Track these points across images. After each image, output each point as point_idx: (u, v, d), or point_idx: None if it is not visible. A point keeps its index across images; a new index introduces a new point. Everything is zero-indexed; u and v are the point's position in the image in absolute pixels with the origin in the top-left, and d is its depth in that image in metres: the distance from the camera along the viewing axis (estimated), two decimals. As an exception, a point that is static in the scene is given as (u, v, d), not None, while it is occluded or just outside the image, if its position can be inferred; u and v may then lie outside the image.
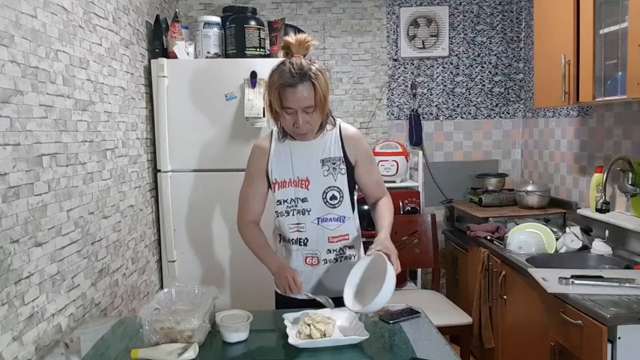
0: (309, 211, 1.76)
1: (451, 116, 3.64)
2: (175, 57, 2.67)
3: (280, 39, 2.78)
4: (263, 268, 2.76)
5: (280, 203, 1.79)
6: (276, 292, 1.89)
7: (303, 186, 1.76)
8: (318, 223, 1.77)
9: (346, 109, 3.59)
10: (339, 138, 1.79)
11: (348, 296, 1.56)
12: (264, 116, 2.65)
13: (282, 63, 1.66)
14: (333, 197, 1.77)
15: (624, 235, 2.35)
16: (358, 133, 1.84)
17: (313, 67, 1.63)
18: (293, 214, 1.78)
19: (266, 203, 1.87)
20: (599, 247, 2.34)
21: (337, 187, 1.77)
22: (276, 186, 1.78)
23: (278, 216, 1.81)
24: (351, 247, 1.83)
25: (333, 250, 1.80)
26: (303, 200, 1.76)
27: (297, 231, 1.78)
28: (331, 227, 1.78)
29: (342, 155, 1.78)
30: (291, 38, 1.69)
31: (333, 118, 1.81)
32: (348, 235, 1.81)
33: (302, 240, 1.79)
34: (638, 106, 2.36)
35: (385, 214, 1.80)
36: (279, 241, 1.87)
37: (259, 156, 1.81)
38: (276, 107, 1.66)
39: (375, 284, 1.48)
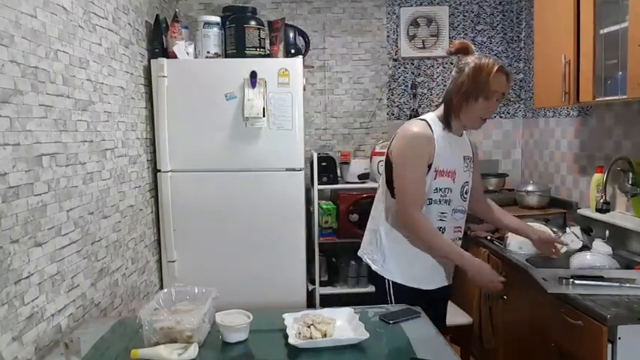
0: (451, 202, 1.87)
1: (451, 116, 3.64)
2: (175, 57, 2.67)
3: (280, 39, 2.78)
4: (262, 268, 2.78)
5: (437, 191, 1.84)
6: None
7: (452, 177, 1.86)
8: (452, 214, 1.89)
9: (346, 109, 3.59)
10: (468, 139, 1.99)
11: None
12: (264, 116, 2.65)
13: (473, 56, 1.82)
14: (467, 192, 1.94)
15: (624, 235, 2.34)
16: None
17: None
18: (441, 203, 1.86)
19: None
20: (600, 247, 2.34)
21: (469, 183, 1.95)
22: (437, 174, 1.83)
23: (430, 203, 1.85)
24: (460, 238, 1.96)
25: (453, 240, 1.91)
26: (450, 191, 1.87)
27: (441, 220, 1.87)
28: (458, 218, 1.92)
29: (472, 154, 1.98)
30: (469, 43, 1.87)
31: None
32: (462, 227, 1.97)
33: (442, 229, 1.87)
34: (639, 106, 2.36)
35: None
36: None
37: (428, 143, 1.81)
38: (490, 92, 1.78)
39: None
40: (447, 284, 1.98)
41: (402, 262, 1.88)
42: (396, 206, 1.83)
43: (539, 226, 2.26)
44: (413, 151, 1.81)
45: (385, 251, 1.90)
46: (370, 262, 1.95)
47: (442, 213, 1.86)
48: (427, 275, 1.91)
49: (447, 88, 1.87)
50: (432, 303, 1.86)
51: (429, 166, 1.81)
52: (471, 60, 1.80)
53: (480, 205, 2.13)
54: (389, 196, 1.88)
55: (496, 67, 1.78)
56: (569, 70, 2.30)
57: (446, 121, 1.85)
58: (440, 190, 1.84)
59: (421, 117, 1.91)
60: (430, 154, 1.80)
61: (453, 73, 1.84)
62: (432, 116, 1.89)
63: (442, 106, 1.87)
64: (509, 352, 2.50)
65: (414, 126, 1.84)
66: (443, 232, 1.87)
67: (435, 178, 1.82)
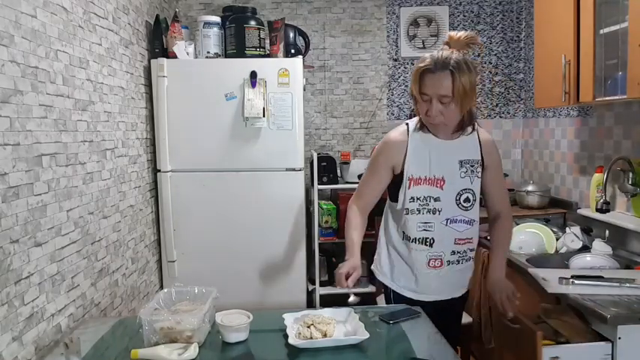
0: (440, 211, 1.75)
1: (451, 116, 3.64)
2: (175, 57, 2.67)
3: (280, 39, 2.78)
4: (262, 268, 2.78)
5: (413, 200, 1.76)
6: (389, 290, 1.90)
7: (438, 185, 1.74)
8: (447, 224, 1.77)
9: (346, 109, 3.59)
10: (478, 141, 1.80)
11: None
12: (264, 116, 2.65)
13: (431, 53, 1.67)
14: (467, 200, 1.77)
15: (624, 235, 2.34)
16: (492, 139, 1.86)
17: (459, 60, 1.62)
18: (423, 213, 1.76)
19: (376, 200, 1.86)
20: (600, 247, 2.34)
21: (472, 190, 1.78)
22: (411, 182, 1.75)
23: (407, 213, 1.77)
24: (472, 249, 1.85)
25: (457, 252, 1.80)
26: (436, 199, 1.75)
27: (424, 230, 1.77)
28: (460, 229, 1.78)
29: (480, 159, 1.79)
30: (454, 33, 1.70)
31: (476, 123, 1.80)
32: (472, 238, 1.82)
33: (428, 240, 1.77)
34: (638, 106, 2.36)
35: (505, 242, 1.89)
36: (402, 238, 1.83)
37: (395, 150, 1.76)
38: (415, 92, 1.67)
39: None
40: (441, 299, 1.85)
41: (392, 268, 1.87)
42: None
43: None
44: (375, 155, 1.83)
45: (381, 254, 1.90)
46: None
47: (426, 223, 1.76)
48: (411, 285, 1.83)
49: None
50: (435, 314, 1.74)
51: (401, 174, 1.75)
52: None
53: (492, 228, 1.91)
54: (388, 198, 1.88)
55: (425, 66, 1.62)
56: (569, 70, 2.30)
57: (420, 122, 1.77)
58: (417, 199, 1.75)
59: (411, 119, 1.85)
60: (395, 160, 1.75)
61: None
62: (417, 118, 1.80)
63: None
64: (509, 352, 2.49)
65: (393, 130, 1.82)
66: (432, 244, 1.76)
67: (409, 187, 1.74)
